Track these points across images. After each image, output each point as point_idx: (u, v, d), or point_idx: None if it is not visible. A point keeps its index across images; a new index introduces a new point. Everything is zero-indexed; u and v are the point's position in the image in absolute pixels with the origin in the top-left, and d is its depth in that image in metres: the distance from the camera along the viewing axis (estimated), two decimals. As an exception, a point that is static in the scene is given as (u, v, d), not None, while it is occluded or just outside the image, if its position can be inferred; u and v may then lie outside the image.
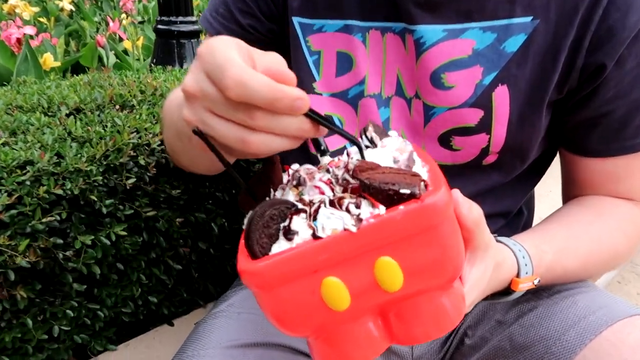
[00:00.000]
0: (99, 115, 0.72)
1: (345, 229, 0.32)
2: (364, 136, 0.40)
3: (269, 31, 0.62)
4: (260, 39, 0.62)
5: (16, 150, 0.60)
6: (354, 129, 0.62)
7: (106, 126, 0.68)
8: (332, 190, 0.36)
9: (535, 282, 0.48)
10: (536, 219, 0.71)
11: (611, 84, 0.54)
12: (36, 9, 2.69)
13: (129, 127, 0.66)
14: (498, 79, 0.56)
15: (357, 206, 0.32)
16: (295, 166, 0.40)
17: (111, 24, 2.08)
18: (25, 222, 0.57)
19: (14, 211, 0.56)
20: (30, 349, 0.65)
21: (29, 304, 0.62)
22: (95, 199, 0.61)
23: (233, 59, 0.31)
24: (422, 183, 0.33)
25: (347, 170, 0.35)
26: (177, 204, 0.70)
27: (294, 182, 0.38)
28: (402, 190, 0.32)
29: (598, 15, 0.52)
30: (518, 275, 0.48)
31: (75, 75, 1.02)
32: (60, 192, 0.58)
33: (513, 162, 0.60)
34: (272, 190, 0.39)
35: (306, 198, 0.35)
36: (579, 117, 0.57)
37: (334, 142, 0.62)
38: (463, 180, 0.57)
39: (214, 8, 0.64)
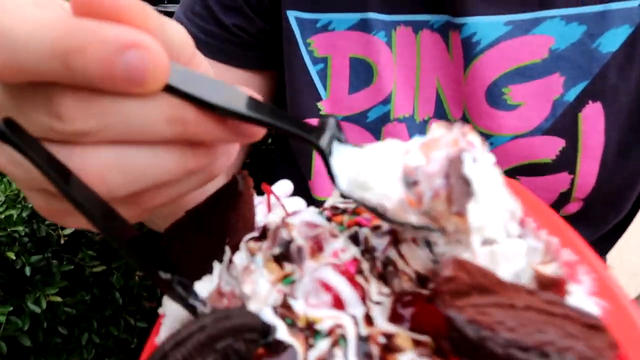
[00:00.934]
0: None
1: None
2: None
3: (260, 32, 0.46)
4: (249, 43, 0.46)
5: None
6: None
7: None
8: (363, 298, 0.17)
9: None
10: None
11: None
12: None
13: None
14: (588, 94, 0.41)
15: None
16: (282, 189, 0.23)
17: None
18: None
19: None
20: None
21: None
22: (15, 258, 0.44)
23: None
24: (613, 349, 0.14)
25: (396, 240, 0.17)
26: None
27: (276, 250, 0.19)
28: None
29: None
30: None
31: None
32: (-39, 250, 0.41)
33: (604, 212, 0.45)
34: (227, 248, 0.20)
35: (299, 308, 0.17)
36: None
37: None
38: None
39: (188, 6, 0.47)
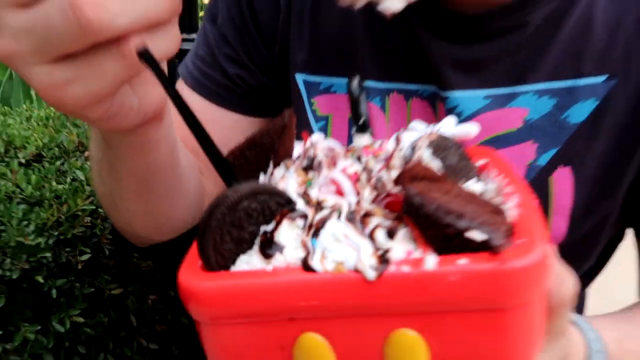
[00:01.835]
0: (62, 164, 0.60)
1: (356, 270, 0.20)
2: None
3: (260, 85, 0.52)
4: (247, 93, 0.52)
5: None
6: None
7: (65, 181, 0.56)
8: (358, 193, 0.25)
9: None
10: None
11: None
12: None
13: (89, 186, 0.54)
14: (558, 159, 0.46)
15: (391, 235, 0.22)
16: (316, 137, 0.30)
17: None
18: None
19: None
20: None
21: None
22: (43, 281, 0.49)
23: None
24: (509, 229, 0.22)
25: (388, 166, 0.25)
26: (148, 280, 0.58)
27: (304, 163, 0.28)
28: (474, 235, 0.20)
29: None
30: None
31: None
32: (-3, 273, 0.47)
33: (575, 259, 0.47)
34: (271, 164, 0.28)
35: (313, 194, 0.25)
36: None
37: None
38: None
39: (194, 52, 0.53)
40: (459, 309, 0.21)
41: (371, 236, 0.21)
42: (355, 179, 0.26)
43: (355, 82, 0.30)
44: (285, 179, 0.26)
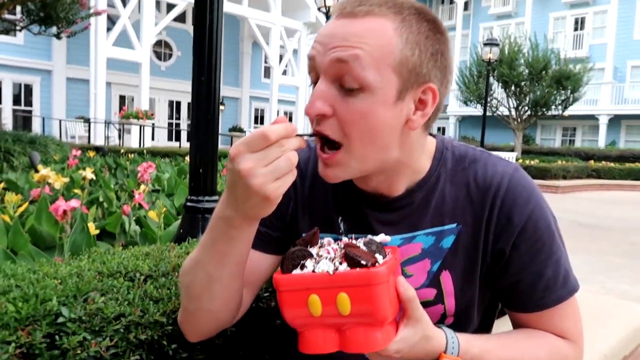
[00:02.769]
0: (168, 280, 0.97)
1: (327, 272, 0.61)
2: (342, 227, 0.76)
3: (277, 237, 0.84)
4: (270, 241, 0.83)
5: (111, 305, 0.84)
6: None
7: (171, 289, 0.93)
8: (335, 252, 0.65)
9: None
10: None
11: (513, 262, 0.75)
12: (66, 179, 3.08)
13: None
14: (442, 267, 0.77)
15: (340, 263, 0.62)
16: (326, 238, 0.68)
17: (136, 195, 2.43)
18: (117, 360, 0.79)
19: (113, 351, 0.78)
20: None
21: None
22: (165, 344, 0.83)
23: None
24: (375, 262, 0.61)
25: (345, 245, 0.65)
26: (218, 350, 0.91)
27: (319, 245, 0.68)
28: (362, 261, 0.60)
29: (495, 215, 0.74)
30: (445, 351, 0.68)
31: (106, 239, 1.30)
32: (143, 337, 0.81)
33: (466, 321, 0.81)
34: (309, 246, 0.68)
35: (321, 252, 0.65)
36: (500, 284, 0.78)
37: None
38: None
39: None
40: (357, 285, 0.59)
41: (333, 263, 0.62)
42: (335, 250, 0.65)
43: (339, 221, 0.75)
44: (313, 248, 0.67)
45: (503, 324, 0.89)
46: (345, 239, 0.69)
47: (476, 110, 19.26)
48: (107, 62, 12.93)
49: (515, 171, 0.77)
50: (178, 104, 18.92)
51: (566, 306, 0.77)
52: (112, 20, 14.13)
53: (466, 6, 26.04)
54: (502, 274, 0.77)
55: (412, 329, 0.65)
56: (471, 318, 0.81)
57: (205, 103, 1.73)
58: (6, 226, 1.82)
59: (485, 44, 13.59)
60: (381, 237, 0.69)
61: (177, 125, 18.99)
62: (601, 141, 21.50)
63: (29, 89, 15.38)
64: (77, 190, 2.77)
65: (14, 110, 15.06)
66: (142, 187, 2.97)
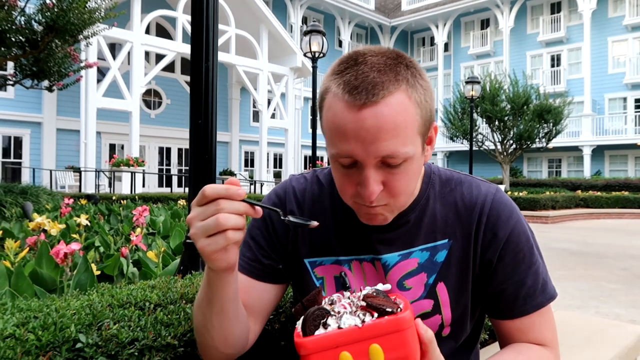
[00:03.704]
0: (176, 307, 1.02)
1: (355, 325, 0.59)
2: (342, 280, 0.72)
3: (282, 267, 0.89)
4: (273, 272, 0.89)
5: (125, 332, 0.89)
6: None
7: (180, 314, 0.98)
8: (350, 306, 0.63)
9: None
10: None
11: (499, 272, 0.82)
12: (62, 226, 3.11)
13: (199, 314, 0.97)
14: (437, 279, 0.84)
15: (364, 315, 0.60)
16: (334, 295, 0.66)
17: (133, 237, 2.47)
18: (132, 383, 0.83)
19: (128, 373, 0.82)
20: None
21: None
22: (177, 365, 0.88)
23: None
24: (398, 307, 0.61)
25: (361, 298, 0.64)
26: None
27: (329, 302, 0.66)
28: (388, 309, 0.60)
29: (482, 230, 0.83)
30: None
31: (105, 282, 1.34)
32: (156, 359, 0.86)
33: (460, 330, 0.88)
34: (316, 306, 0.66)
35: (336, 308, 0.63)
36: (487, 292, 0.85)
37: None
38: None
39: (242, 252, 0.89)
40: (388, 332, 0.58)
41: (358, 316, 0.60)
42: (349, 304, 0.62)
43: (343, 275, 0.71)
44: (326, 305, 0.65)
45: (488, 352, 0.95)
46: (347, 293, 0.70)
47: (463, 145, 19.67)
48: (97, 112, 13.11)
49: (497, 191, 0.87)
50: (168, 150, 19.06)
51: (545, 312, 0.85)
52: (102, 72, 14.42)
53: (446, 47, 27.02)
54: (489, 283, 0.84)
55: None
56: (465, 327, 0.88)
57: (203, 144, 1.82)
58: (8, 271, 1.85)
59: (467, 82, 14.03)
60: (384, 287, 0.70)
61: (168, 170, 19.06)
62: (586, 171, 21.92)
63: (18, 141, 15.45)
64: (75, 235, 2.81)
65: (4, 163, 15.06)
66: (138, 230, 3.01)
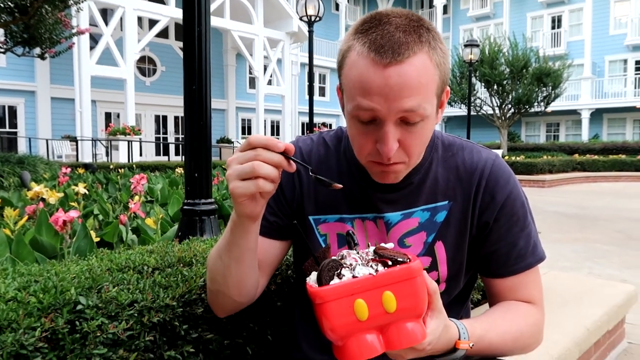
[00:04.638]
0: (174, 270, 1.04)
1: (370, 274, 0.63)
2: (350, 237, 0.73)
3: (286, 225, 0.93)
4: (279, 229, 0.92)
5: (124, 294, 0.91)
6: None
7: (177, 277, 1.00)
8: (361, 260, 0.66)
9: (470, 345, 0.76)
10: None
11: (493, 233, 0.87)
12: (60, 194, 3.12)
13: (194, 275, 0.99)
14: (436, 238, 0.88)
15: (376, 265, 0.64)
16: (344, 250, 0.68)
17: (131, 205, 2.49)
18: (133, 342, 0.85)
19: (129, 333, 0.85)
20: None
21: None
22: (177, 325, 0.90)
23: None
24: (408, 257, 0.65)
25: (369, 253, 0.67)
26: (225, 329, 0.98)
27: (340, 257, 0.67)
28: (399, 259, 0.63)
29: (481, 194, 0.87)
30: (459, 338, 0.75)
31: (104, 248, 1.37)
32: (155, 320, 0.88)
33: (454, 286, 0.92)
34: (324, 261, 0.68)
35: (347, 262, 0.65)
36: (481, 252, 0.89)
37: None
38: None
39: None
40: (400, 280, 0.61)
41: (371, 267, 0.63)
42: (359, 257, 0.65)
43: (351, 233, 0.72)
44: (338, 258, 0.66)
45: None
46: (353, 250, 0.72)
47: (461, 110, 19.52)
48: (91, 80, 12.94)
49: (497, 158, 0.91)
50: (164, 118, 18.91)
51: (534, 272, 0.89)
52: (94, 39, 14.14)
53: (445, 9, 26.46)
54: (484, 242, 0.89)
55: (437, 320, 0.69)
56: (459, 284, 0.93)
57: (198, 110, 1.81)
58: (8, 239, 1.87)
59: (465, 45, 13.82)
60: (387, 245, 0.72)
61: (165, 139, 18.97)
62: (584, 135, 21.89)
63: (13, 110, 15.30)
64: (73, 204, 2.82)
65: (-1, 133, 14.98)
66: (136, 197, 3.02)
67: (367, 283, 0.62)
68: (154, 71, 18.57)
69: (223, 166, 8.82)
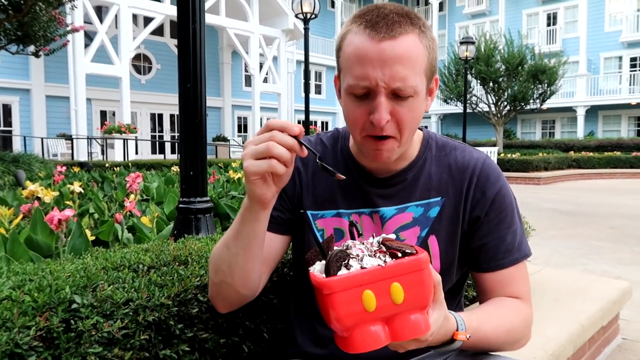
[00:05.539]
0: (169, 269, 1.04)
1: (379, 265, 0.63)
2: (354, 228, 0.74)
3: (287, 219, 0.96)
4: (280, 223, 0.95)
5: (120, 292, 0.91)
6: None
7: (173, 276, 1.00)
8: (367, 251, 0.66)
9: (467, 336, 0.77)
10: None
11: (483, 227, 0.91)
12: (55, 193, 3.11)
13: (190, 275, 0.99)
14: (429, 232, 0.92)
15: (384, 256, 0.64)
16: (349, 241, 0.68)
17: (127, 203, 2.48)
18: (128, 340, 0.85)
19: (124, 332, 0.85)
20: None
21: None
22: (172, 324, 0.90)
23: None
24: (415, 249, 0.65)
25: (379, 242, 0.67)
26: (221, 328, 0.99)
27: (345, 247, 0.67)
28: (407, 250, 0.64)
29: (472, 190, 0.91)
30: (457, 330, 0.76)
31: (100, 247, 1.37)
32: (150, 319, 0.88)
33: (447, 280, 0.93)
34: (329, 252, 0.68)
35: (354, 252, 0.65)
36: (471, 245, 0.92)
37: None
38: None
39: None
40: (408, 272, 0.62)
41: (379, 258, 0.63)
42: (365, 248, 0.65)
43: (354, 222, 0.72)
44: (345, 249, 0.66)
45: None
46: (358, 241, 0.73)
47: (457, 107, 19.57)
48: (86, 78, 12.87)
49: (487, 157, 0.97)
50: (160, 116, 18.85)
51: (521, 267, 0.93)
52: (89, 37, 14.08)
53: (441, 7, 26.47)
54: (473, 236, 0.93)
55: (439, 311, 0.71)
56: (452, 278, 0.95)
57: (192, 109, 1.80)
58: (3, 238, 1.86)
59: (461, 43, 13.85)
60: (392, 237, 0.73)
61: (160, 137, 18.92)
62: (580, 132, 21.97)
63: (7, 108, 15.21)
64: (68, 202, 2.81)
65: (-6, 131, 14.89)
66: (132, 196, 3.02)
67: (376, 274, 0.62)
68: (149, 69, 18.49)
69: (219, 164, 8.81)
